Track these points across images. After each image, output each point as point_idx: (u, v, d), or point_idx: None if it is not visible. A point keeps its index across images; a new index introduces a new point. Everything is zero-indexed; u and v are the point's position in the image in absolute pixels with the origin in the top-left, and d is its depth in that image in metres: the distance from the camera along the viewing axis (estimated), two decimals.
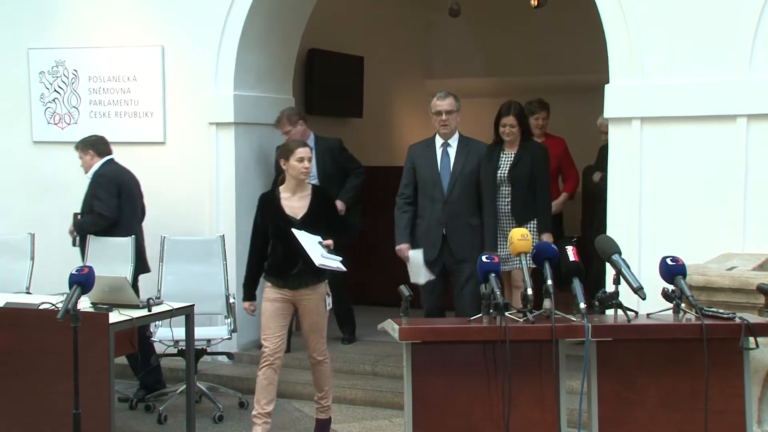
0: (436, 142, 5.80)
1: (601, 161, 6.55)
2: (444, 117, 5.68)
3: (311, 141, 6.92)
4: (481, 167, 5.74)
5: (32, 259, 6.58)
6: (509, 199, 6.10)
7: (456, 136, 5.78)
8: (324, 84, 9.36)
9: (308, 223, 5.19)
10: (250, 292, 5.41)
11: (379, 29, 10.58)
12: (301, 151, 5.22)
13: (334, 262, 5.08)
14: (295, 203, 5.26)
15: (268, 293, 5.29)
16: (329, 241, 5.16)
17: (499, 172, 6.11)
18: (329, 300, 5.37)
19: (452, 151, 5.75)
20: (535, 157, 6.16)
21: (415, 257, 5.71)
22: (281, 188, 5.34)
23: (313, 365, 5.46)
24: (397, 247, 5.82)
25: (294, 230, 5.08)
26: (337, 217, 5.66)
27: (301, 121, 6.99)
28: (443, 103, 5.70)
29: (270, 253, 5.32)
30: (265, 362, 5.25)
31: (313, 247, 5.07)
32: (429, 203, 5.74)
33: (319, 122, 8.88)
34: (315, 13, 7.59)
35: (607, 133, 6.01)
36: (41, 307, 5.06)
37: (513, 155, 6.15)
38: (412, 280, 5.62)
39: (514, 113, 6.13)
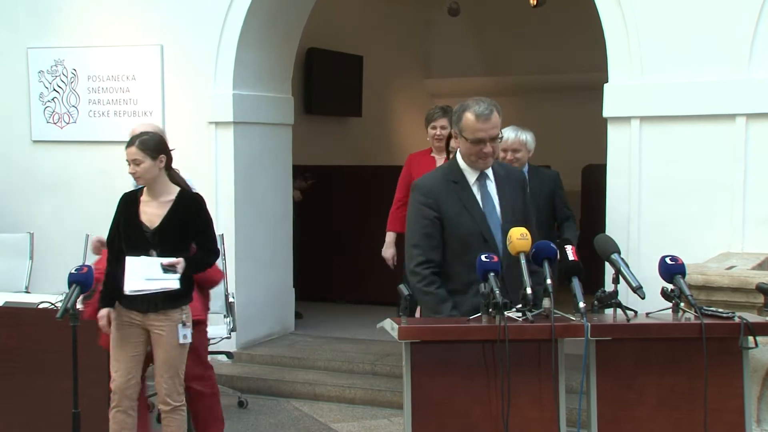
0: (467, 175, 3.80)
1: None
2: (488, 148, 3.71)
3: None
4: (525, 198, 3.94)
5: (31, 258, 6.58)
6: None
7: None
8: (323, 83, 9.37)
9: (163, 236, 4.30)
10: (106, 299, 4.37)
11: (378, 29, 10.59)
12: (128, 152, 4.36)
13: (159, 283, 4.19)
14: (153, 209, 4.38)
15: (115, 315, 4.38)
16: (173, 260, 4.21)
17: None
18: (186, 331, 4.38)
19: (492, 186, 3.82)
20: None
21: None
22: (145, 189, 4.46)
23: (163, 414, 4.43)
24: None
25: (129, 258, 4.22)
26: (206, 233, 4.50)
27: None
28: (487, 127, 3.68)
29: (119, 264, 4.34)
30: (114, 404, 4.37)
31: (143, 270, 4.21)
32: (469, 268, 3.49)
33: (318, 122, 8.92)
34: (314, 12, 7.58)
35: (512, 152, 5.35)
36: (40, 306, 5.07)
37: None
38: None
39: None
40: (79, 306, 4.05)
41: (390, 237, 5.93)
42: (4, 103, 7.67)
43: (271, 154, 7.40)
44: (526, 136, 5.42)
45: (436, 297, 3.63)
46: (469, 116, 3.68)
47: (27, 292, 6.34)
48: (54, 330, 4.47)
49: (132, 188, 4.57)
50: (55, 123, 7.56)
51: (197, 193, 4.59)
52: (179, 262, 4.21)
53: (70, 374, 3.81)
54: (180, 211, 4.36)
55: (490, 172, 3.80)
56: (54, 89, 7.54)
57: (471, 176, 3.77)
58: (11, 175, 7.64)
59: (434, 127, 5.64)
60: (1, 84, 7.66)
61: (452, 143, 4.99)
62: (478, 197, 3.75)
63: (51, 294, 5.33)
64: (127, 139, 4.46)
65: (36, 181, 7.64)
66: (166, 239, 4.29)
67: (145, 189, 4.42)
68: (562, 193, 5.60)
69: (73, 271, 3.92)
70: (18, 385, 4.96)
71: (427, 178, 3.91)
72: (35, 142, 7.65)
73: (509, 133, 5.29)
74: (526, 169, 5.35)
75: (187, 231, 4.38)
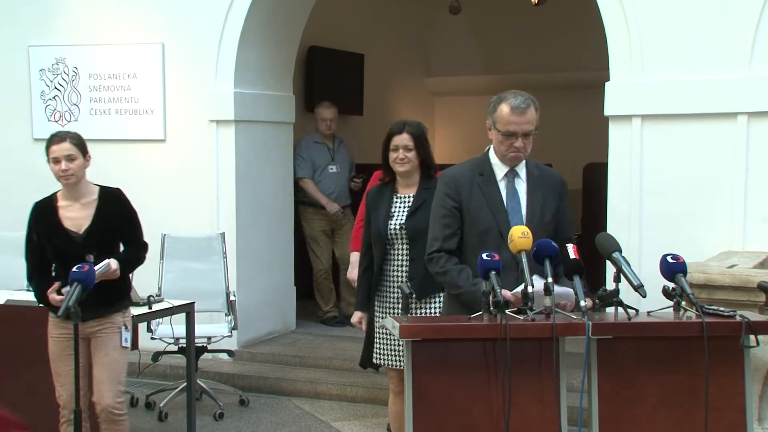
0: (495, 170, 3.70)
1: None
2: (519, 143, 3.59)
3: None
4: (560, 204, 3.75)
5: None
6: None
7: (523, 161, 3.72)
8: (324, 81, 9.36)
9: (94, 239, 4.18)
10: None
11: (379, 27, 10.58)
12: (54, 149, 4.20)
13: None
14: (76, 213, 4.21)
15: (52, 328, 4.26)
16: (107, 272, 4.11)
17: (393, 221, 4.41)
18: (127, 335, 4.29)
19: (522, 185, 3.70)
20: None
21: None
22: (59, 194, 4.27)
23: (104, 425, 4.25)
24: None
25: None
26: (133, 228, 4.40)
27: None
28: (522, 121, 3.55)
29: (48, 275, 4.23)
30: (65, 418, 4.28)
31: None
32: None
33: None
34: (315, 10, 7.58)
35: None
36: (41, 304, 5.06)
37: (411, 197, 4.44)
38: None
39: (409, 132, 4.38)
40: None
41: (354, 257, 5.04)
42: (5, 102, 7.67)
43: (272, 152, 7.41)
44: None
45: (451, 272, 3.57)
46: (504, 108, 3.56)
47: (28, 290, 6.32)
48: None
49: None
50: (56, 121, 7.56)
51: (118, 188, 4.45)
52: (115, 272, 4.12)
53: None
54: (107, 209, 4.24)
55: (523, 170, 3.68)
56: (55, 87, 7.54)
57: (500, 171, 3.66)
58: (12, 173, 7.63)
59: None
60: (2, 82, 7.67)
61: None
62: (503, 194, 3.63)
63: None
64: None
65: (37, 178, 7.60)
66: (99, 241, 4.16)
67: (60, 193, 4.24)
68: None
69: (74, 270, 3.91)
70: (18, 383, 4.95)
71: (454, 169, 3.82)
72: (36, 140, 7.63)
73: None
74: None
75: (117, 229, 4.26)
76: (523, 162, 3.69)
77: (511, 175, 3.66)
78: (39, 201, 4.30)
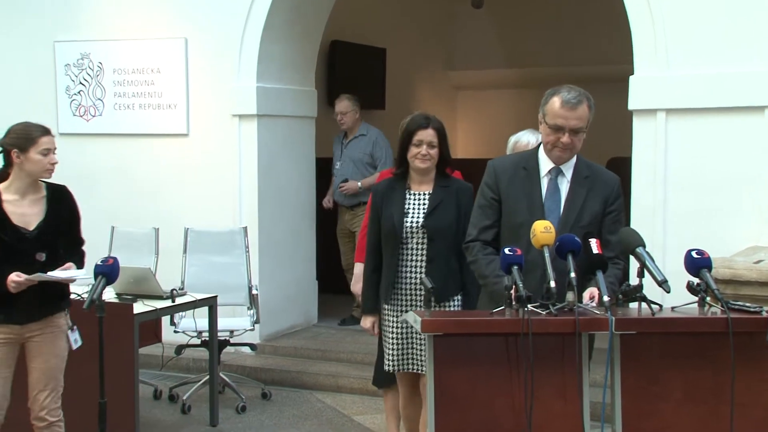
0: (541, 165, 3.61)
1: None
2: (566, 139, 3.48)
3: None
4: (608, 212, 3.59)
5: None
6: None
7: (573, 159, 3.60)
8: (347, 76, 9.36)
9: (47, 236, 4.01)
10: None
11: (401, 21, 10.56)
12: (47, 141, 4.04)
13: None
14: (25, 209, 3.99)
15: None
16: (67, 276, 3.98)
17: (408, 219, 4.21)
18: (76, 335, 4.16)
19: (565, 184, 3.59)
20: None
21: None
22: (2, 187, 4.00)
23: (38, 431, 4.09)
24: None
25: (40, 275, 3.89)
26: (78, 230, 4.23)
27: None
28: (571, 116, 3.45)
29: None
30: None
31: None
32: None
33: None
34: (338, 4, 7.58)
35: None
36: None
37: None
38: None
39: (434, 127, 4.16)
40: (104, 297, 4.06)
41: (358, 269, 4.69)
42: (31, 96, 7.72)
43: (294, 146, 7.42)
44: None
45: (480, 261, 3.53)
46: (555, 100, 3.48)
47: None
48: (81, 321, 4.50)
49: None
50: (81, 116, 7.61)
51: (65, 185, 4.26)
52: (76, 275, 3.99)
53: (97, 364, 3.83)
54: (57, 207, 4.08)
55: (569, 169, 3.56)
56: (80, 82, 7.59)
57: (545, 167, 3.57)
58: None
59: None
60: (28, 77, 7.73)
61: None
62: (544, 190, 3.54)
63: (78, 285, 5.36)
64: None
65: (62, 173, 7.63)
66: (50, 240, 4.00)
67: (4, 187, 3.99)
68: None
69: (99, 263, 3.93)
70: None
71: (500, 159, 3.77)
72: (62, 134, 7.68)
73: (529, 137, 4.63)
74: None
75: (66, 228, 4.11)
76: (573, 160, 3.57)
77: (555, 172, 3.57)
78: None
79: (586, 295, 3.28)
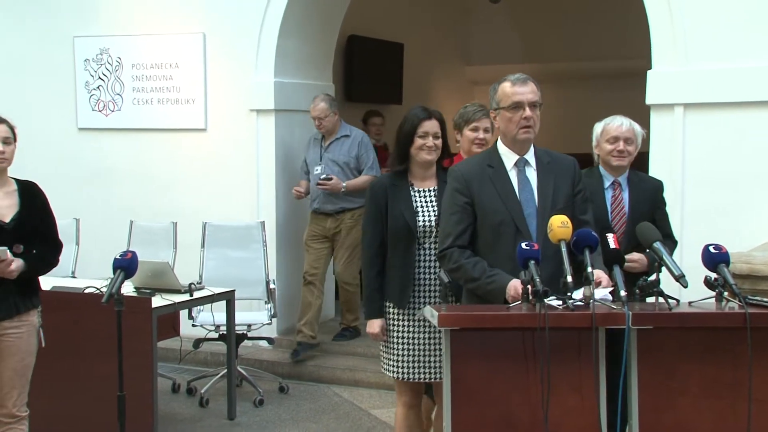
0: (504, 160, 3.60)
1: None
2: (528, 113, 3.50)
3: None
4: (579, 195, 3.64)
5: (77, 243, 6.66)
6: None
7: (531, 148, 3.63)
8: (364, 71, 9.37)
9: (21, 229, 3.95)
10: None
11: (419, 16, 10.55)
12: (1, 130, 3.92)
13: None
14: None
15: None
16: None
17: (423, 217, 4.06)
18: (42, 332, 4.09)
19: (532, 173, 3.59)
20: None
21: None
22: None
23: (4, 428, 4.05)
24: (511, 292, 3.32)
25: None
26: (50, 226, 4.16)
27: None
28: (525, 90, 3.52)
29: None
30: None
31: None
32: (501, 259, 3.44)
33: (358, 108, 8.91)
34: None
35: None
36: (86, 291, 5.14)
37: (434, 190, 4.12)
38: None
39: (437, 118, 4.08)
40: (123, 291, 4.09)
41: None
42: (51, 91, 7.77)
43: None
44: (639, 128, 4.34)
45: (466, 266, 3.48)
46: (505, 84, 3.53)
47: (73, 276, 6.43)
48: (99, 314, 4.53)
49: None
50: (100, 111, 7.65)
51: (34, 182, 4.17)
52: (12, 272, 3.85)
53: (116, 358, 3.85)
54: (29, 201, 4.02)
55: (532, 158, 3.57)
56: (99, 77, 7.63)
57: (509, 161, 3.56)
58: (58, 162, 7.75)
59: (476, 129, 4.34)
60: (48, 72, 7.77)
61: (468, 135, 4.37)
62: (515, 183, 3.53)
63: (96, 279, 5.41)
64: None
65: (81, 167, 7.74)
66: (26, 232, 3.95)
67: None
68: (664, 209, 4.42)
69: (117, 257, 3.96)
70: (64, 368, 5.04)
71: (462, 163, 3.76)
72: (81, 129, 7.75)
73: (622, 119, 4.33)
74: (625, 175, 4.30)
75: (38, 223, 4.04)
76: (532, 150, 3.59)
77: (521, 163, 3.56)
78: None
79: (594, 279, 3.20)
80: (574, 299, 3.09)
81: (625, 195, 4.22)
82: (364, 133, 6.96)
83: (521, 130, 3.50)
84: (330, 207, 6.66)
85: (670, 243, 4.31)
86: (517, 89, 3.49)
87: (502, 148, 3.60)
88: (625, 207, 4.20)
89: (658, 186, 4.38)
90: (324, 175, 6.57)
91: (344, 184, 6.56)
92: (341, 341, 6.98)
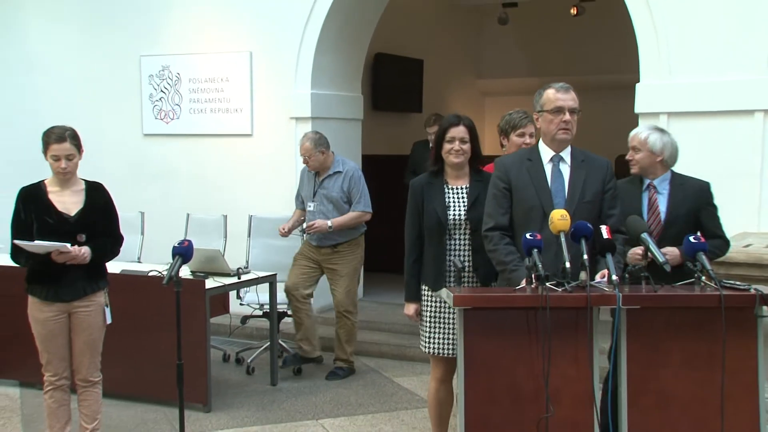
0: (542, 155, 3.61)
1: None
2: (567, 117, 3.52)
3: None
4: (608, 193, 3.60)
5: (142, 233, 6.72)
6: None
7: (568, 148, 3.63)
8: (389, 83, 9.38)
9: (84, 222, 4.04)
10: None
11: (436, 36, 10.55)
12: (56, 148, 3.96)
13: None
14: (67, 198, 4.05)
15: (35, 311, 4.06)
16: (73, 250, 3.93)
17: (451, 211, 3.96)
18: (108, 312, 4.17)
19: (566, 168, 3.59)
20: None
21: None
22: (48, 181, 4.08)
23: (81, 389, 4.18)
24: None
25: (22, 243, 3.90)
26: (113, 221, 4.20)
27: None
28: (567, 98, 3.53)
29: (31, 256, 3.97)
30: (50, 386, 4.16)
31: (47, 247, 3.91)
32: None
33: (383, 117, 8.93)
34: (381, 22, 7.58)
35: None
36: (150, 274, 5.20)
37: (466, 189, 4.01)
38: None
39: (465, 125, 3.97)
40: (181, 274, 4.13)
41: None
42: (121, 103, 7.85)
43: (343, 144, 7.42)
44: (652, 136, 4.04)
45: (501, 251, 3.50)
46: (549, 91, 3.55)
47: (139, 261, 6.49)
48: (161, 294, 4.59)
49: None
50: (161, 119, 7.71)
51: (100, 183, 4.23)
52: (88, 252, 3.95)
53: (175, 332, 3.90)
54: (94, 198, 4.10)
55: (567, 155, 3.57)
56: (161, 90, 7.69)
57: (546, 156, 3.57)
58: (126, 164, 7.83)
59: (522, 135, 4.24)
60: (119, 86, 7.85)
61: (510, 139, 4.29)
62: (548, 175, 3.53)
63: (159, 264, 5.47)
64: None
65: (146, 168, 7.81)
66: (89, 224, 4.02)
67: (49, 181, 4.06)
68: (712, 209, 4.03)
69: (176, 245, 3.99)
70: (132, 340, 5.10)
71: (506, 156, 3.82)
72: (146, 135, 7.82)
73: (638, 129, 4.19)
74: (667, 180, 4.04)
75: (101, 217, 4.11)
76: (569, 149, 3.58)
77: (557, 159, 3.56)
78: (27, 186, 4.08)
79: (597, 276, 3.27)
80: (571, 282, 3.10)
81: (663, 199, 3.95)
82: (357, 167, 5.97)
83: (560, 131, 3.52)
84: (327, 242, 5.84)
85: (720, 243, 3.96)
86: (560, 96, 3.52)
87: (542, 145, 3.62)
88: (661, 212, 3.91)
89: (703, 186, 4.01)
90: (305, 225, 5.87)
91: (330, 224, 5.72)
92: (334, 380, 5.89)
